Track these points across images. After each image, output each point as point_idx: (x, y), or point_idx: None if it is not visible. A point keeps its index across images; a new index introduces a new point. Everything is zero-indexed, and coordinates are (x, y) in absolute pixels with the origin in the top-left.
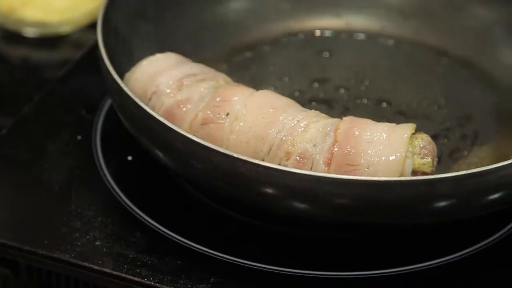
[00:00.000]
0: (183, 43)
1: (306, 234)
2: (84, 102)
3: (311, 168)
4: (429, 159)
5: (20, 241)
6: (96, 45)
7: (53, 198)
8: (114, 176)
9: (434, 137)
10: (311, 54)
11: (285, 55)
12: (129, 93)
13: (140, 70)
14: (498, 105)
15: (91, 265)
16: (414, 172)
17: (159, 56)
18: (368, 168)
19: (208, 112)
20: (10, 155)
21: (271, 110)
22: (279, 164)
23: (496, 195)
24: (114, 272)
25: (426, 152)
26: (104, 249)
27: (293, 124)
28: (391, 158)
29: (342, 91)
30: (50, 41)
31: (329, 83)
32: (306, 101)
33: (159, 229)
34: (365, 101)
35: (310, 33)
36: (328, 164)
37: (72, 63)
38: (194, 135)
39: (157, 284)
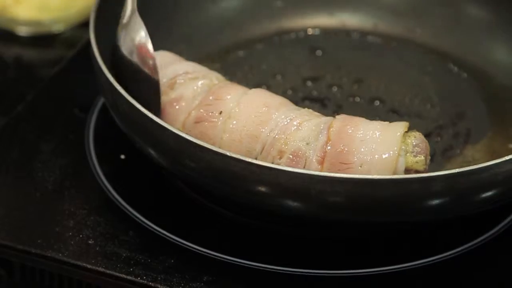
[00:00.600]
0: (176, 42)
1: (299, 233)
2: (77, 101)
3: (304, 167)
4: (422, 157)
5: (14, 240)
6: (89, 44)
7: (46, 197)
8: (107, 175)
9: (427, 135)
10: (304, 52)
11: (278, 53)
12: (122, 91)
13: None
14: (490, 103)
15: (84, 264)
16: (407, 170)
17: None
18: (361, 167)
19: (201, 110)
20: (3, 154)
21: (264, 109)
22: (272, 163)
23: (489, 193)
24: (107, 271)
25: (419, 150)
26: (97, 248)
27: (286, 123)
28: (384, 156)
29: (335, 89)
30: (43, 39)
31: (322, 81)
32: (299, 100)
33: (152, 227)
34: (358, 99)
35: (303, 32)
36: (321, 162)
37: (65, 62)
38: (187, 133)
39: (150, 283)
